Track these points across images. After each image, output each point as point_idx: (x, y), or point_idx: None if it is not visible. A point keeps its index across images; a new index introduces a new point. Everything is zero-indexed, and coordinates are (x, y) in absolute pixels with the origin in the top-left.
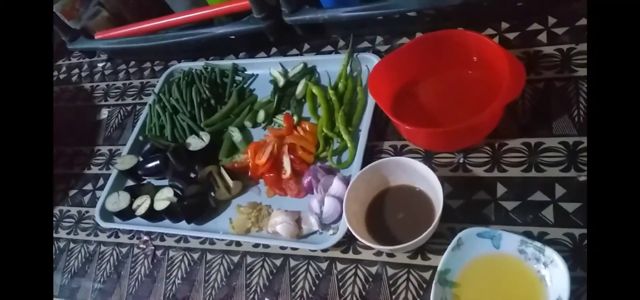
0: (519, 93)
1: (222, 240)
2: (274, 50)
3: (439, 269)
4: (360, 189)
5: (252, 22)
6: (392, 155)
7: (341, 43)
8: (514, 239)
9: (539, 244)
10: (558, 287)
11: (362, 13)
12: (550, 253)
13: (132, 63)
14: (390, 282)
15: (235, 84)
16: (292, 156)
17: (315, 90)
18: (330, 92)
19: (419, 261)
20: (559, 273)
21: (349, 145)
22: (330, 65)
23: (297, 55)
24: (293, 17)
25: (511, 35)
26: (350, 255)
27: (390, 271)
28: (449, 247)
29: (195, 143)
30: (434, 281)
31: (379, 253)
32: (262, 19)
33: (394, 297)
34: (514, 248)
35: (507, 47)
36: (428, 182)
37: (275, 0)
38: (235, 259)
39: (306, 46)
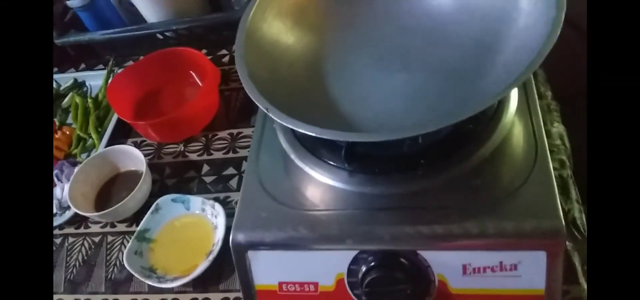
0: (213, 92)
1: None
2: (55, 69)
3: (138, 228)
4: (91, 173)
5: None
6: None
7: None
8: (198, 200)
9: (211, 202)
10: (221, 231)
11: (116, 35)
12: (218, 207)
13: None
14: (108, 246)
15: None
16: None
17: (77, 100)
18: (90, 100)
19: (133, 228)
20: (222, 220)
21: (96, 143)
22: (98, 80)
23: (73, 72)
24: (62, 39)
25: None
26: (81, 230)
27: (111, 238)
28: (149, 211)
29: None
30: (132, 238)
31: (104, 225)
32: None
33: (108, 256)
34: (199, 208)
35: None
36: (144, 166)
37: None
38: None
39: (82, 65)
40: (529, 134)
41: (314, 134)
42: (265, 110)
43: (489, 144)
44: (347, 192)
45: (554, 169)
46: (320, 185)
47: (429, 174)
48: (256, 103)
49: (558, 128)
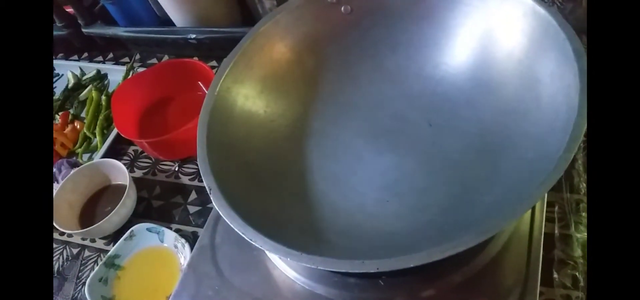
0: None
1: None
2: (85, 54)
3: (109, 253)
4: (81, 182)
5: (55, 29)
6: (130, 159)
7: (138, 56)
8: (172, 235)
9: (183, 241)
10: None
11: (138, 35)
12: (187, 249)
13: None
14: (83, 261)
15: None
16: None
17: (94, 94)
18: (104, 97)
19: (110, 248)
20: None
21: (99, 145)
22: (119, 76)
23: (100, 62)
24: (88, 29)
25: None
26: (64, 237)
27: (87, 253)
28: (122, 238)
29: None
30: (101, 262)
31: (84, 238)
32: (63, 27)
33: (80, 273)
34: (172, 243)
35: None
36: (128, 186)
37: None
38: None
39: (110, 55)
40: (522, 261)
41: (252, 242)
42: (208, 190)
43: (468, 268)
44: (297, 287)
45: (563, 286)
46: (274, 269)
47: (392, 287)
48: (203, 179)
49: (583, 236)
